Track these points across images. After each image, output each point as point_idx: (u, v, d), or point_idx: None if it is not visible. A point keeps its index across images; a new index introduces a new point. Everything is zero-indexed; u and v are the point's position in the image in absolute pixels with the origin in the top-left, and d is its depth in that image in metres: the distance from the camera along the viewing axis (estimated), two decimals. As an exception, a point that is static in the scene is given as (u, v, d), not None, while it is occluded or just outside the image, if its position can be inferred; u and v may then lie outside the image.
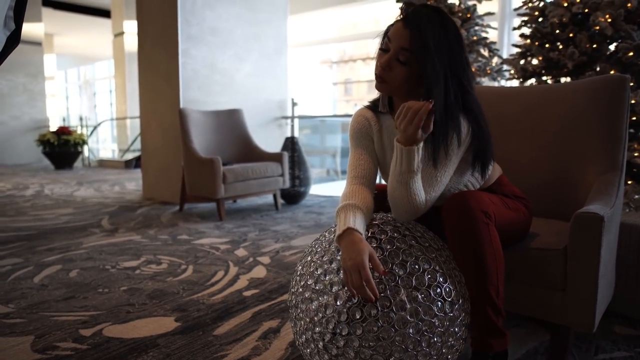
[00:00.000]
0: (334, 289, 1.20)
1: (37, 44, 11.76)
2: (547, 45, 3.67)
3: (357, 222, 1.25)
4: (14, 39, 1.25)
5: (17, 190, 6.62)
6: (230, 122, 4.98)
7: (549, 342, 1.75)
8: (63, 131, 10.02)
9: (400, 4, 4.69)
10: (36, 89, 12.03)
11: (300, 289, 1.30)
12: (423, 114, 1.18)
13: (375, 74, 1.38)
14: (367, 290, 1.13)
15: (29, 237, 3.63)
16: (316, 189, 6.07)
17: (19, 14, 1.24)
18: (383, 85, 1.37)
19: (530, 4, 3.95)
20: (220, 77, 5.41)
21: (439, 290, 1.19)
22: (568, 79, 3.58)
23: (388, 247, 1.23)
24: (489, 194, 1.42)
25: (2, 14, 1.18)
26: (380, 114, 1.52)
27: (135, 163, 9.92)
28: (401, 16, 1.36)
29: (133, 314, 2.12)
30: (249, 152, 4.91)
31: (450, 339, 1.22)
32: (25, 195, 6.04)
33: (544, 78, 3.73)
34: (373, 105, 1.54)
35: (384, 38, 1.37)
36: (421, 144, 1.25)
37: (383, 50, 1.36)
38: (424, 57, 1.28)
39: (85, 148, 11.04)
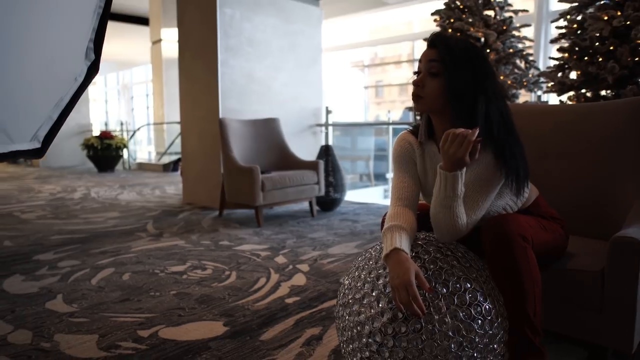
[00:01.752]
0: (381, 304, 1.31)
1: (80, 51, 12.18)
2: (585, 59, 3.69)
3: (403, 242, 1.35)
4: (94, 68, 1.38)
5: (66, 193, 6.94)
6: (267, 130, 5.14)
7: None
8: (105, 135, 10.40)
9: (433, 18, 4.77)
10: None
11: (348, 301, 1.41)
12: (471, 136, 1.30)
13: (412, 95, 1.49)
14: (414, 306, 1.23)
15: (82, 240, 3.85)
16: (350, 196, 6.17)
17: (97, 45, 1.37)
18: (420, 102, 1.48)
19: (568, 17, 3.96)
20: (257, 86, 5.57)
21: (479, 308, 1.29)
22: (609, 93, 3.59)
23: (431, 266, 1.33)
24: (526, 217, 1.50)
25: (84, 46, 1.31)
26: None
27: (173, 166, 10.19)
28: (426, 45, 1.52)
29: (184, 318, 2.27)
30: (285, 160, 5.05)
31: (490, 356, 1.31)
32: (74, 198, 6.34)
33: (583, 91, 3.75)
34: (415, 130, 1.64)
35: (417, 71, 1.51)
36: (464, 170, 1.35)
37: (416, 74, 1.50)
38: (453, 64, 1.42)
39: (126, 151, 11.38)
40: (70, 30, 1.30)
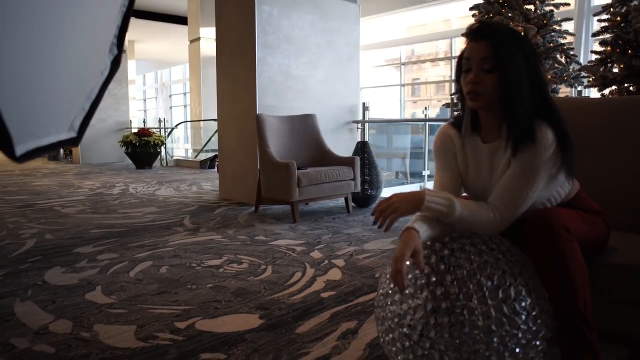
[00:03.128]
0: (424, 294, 1.29)
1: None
2: (629, 52, 3.57)
3: (418, 224, 1.35)
4: (116, 62, 1.41)
5: (105, 188, 7.09)
6: (303, 126, 5.14)
7: (627, 359, 1.73)
8: (143, 132, 10.60)
9: (472, 12, 4.69)
10: (120, 94, 12.84)
11: (390, 291, 1.39)
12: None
13: (467, 92, 1.46)
14: (397, 279, 1.24)
15: (120, 234, 3.93)
16: (386, 193, 6.12)
17: (120, 41, 1.40)
18: (477, 99, 1.44)
19: (611, 9, 3.84)
20: (294, 83, 5.58)
21: (523, 303, 1.26)
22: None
23: (477, 259, 1.30)
24: (567, 209, 1.46)
25: (109, 41, 1.35)
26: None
27: (210, 163, 10.31)
28: (469, 37, 1.47)
29: (220, 310, 2.29)
30: (321, 156, 5.04)
31: (532, 352, 1.27)
32: (113, 194, 6.47)
33: (626, 85, 3.63)
34: (457, 122, 1.61)
35: (459, 64, 1.49)
36: (426, 198, 1.37)
37: (466, 71, 1.46)
38: (506, 58, 1.39)
39: (163, 148, 11.57)
40: (99, 29, 1.35)
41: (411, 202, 1.36)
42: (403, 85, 12.20)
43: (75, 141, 1.41)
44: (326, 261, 3.10)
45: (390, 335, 1.36)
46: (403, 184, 8.30)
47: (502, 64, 1.39)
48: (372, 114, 6.67)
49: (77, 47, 1.30)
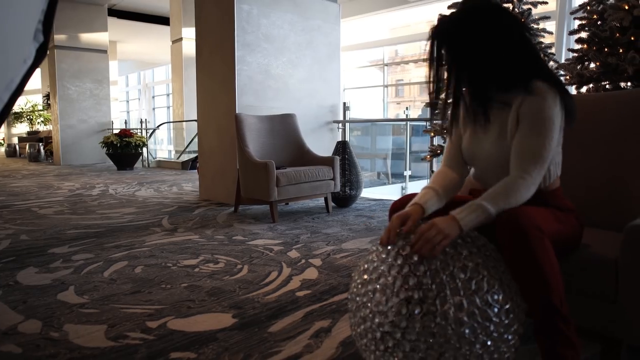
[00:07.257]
0: (396, 284, 1.28)
1: (102, 51, 12.44)
2: (605, 50, 3.60)
3: (422, 199, 1.52)
4: (42, 50, 1.38)
5: (85, 189, 7.00)
6: (283, 126, 5.12)
7: (599, 355, 1.73)
8: (125, 133, 10.50)
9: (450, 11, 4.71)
10: (101, 94, 12.71)
11: (364, 282, 1.38)
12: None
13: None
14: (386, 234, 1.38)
15: (97, 234, 3.87)
16: (367, 193, 6.13)
17: (46, 27, 1.37)
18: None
19: (588, 7, 3.87)
20: (274, 82, 5.56)
21: (496, 297, 1.26)
22: (628, 84, 3.50)
23: (451, 251, 1.30)
24: (539, 209, 1.45)
25: (33, 26, 1.32)
26: None
27: (191, 164, 10.25)
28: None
29: (194, 309, 2.26)
30: (301, 155, 5.02)
31: (503, 345, 1.27)
32: (92, 195, 6.39)
33: (602, 83, 3.66)
34: None
35: None
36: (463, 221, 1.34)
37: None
38: (450, 55, 1.50)
39: (145, 149, 11.47)
40: (18, 13, 1.31)
41: (449, 233, 1.30)
42: (386, 86, 12.23)
43: None
44: (303, 260, 3.08)
45: (362, 327, 1.35)
46: (384, 184, 8.31)
47: (455, 62, 1.49)
48: (356, 115, 6.67)
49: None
